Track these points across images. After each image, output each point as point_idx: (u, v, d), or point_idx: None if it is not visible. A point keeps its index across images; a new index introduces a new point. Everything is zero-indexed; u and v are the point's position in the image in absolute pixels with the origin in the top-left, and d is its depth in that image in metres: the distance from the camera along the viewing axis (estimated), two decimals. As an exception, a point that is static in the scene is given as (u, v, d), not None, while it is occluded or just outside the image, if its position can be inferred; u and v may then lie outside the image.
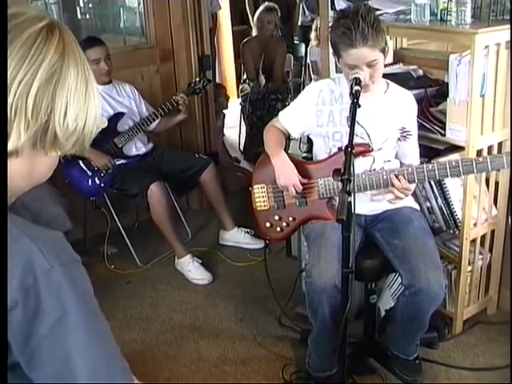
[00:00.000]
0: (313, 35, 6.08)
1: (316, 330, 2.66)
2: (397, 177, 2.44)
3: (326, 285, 2.40)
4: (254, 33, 5.99)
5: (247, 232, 4.15)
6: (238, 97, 6.42)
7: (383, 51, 2.43)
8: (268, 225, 2.77)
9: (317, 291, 2.44)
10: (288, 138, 2.87)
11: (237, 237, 4.14)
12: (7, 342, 0.96)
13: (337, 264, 2.37)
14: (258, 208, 2.78)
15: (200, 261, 3.85)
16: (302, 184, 2.62)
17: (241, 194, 4.61)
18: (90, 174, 3.73)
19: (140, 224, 4.21)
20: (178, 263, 3.85)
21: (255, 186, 2.78)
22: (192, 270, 3.79)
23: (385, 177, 2.47)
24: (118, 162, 3.79)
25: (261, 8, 5.92)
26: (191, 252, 3.89)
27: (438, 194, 2.94)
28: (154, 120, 3.87)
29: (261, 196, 2.77)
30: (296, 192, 2.61)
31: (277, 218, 2.75)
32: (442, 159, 2.88)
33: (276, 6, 5.95)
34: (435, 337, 3.05)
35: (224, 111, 5.59)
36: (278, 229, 2.76)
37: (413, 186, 2.56)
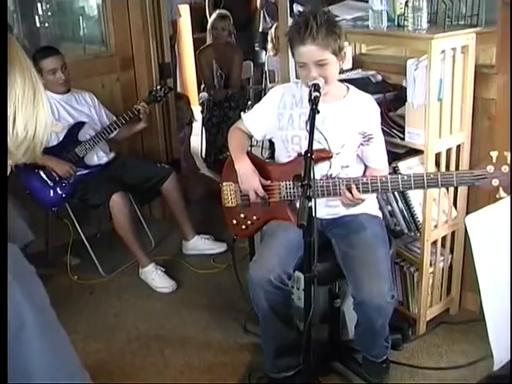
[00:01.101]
0: (269, 45, 6.13)
1: (261, 326, 2.73)
2: (349, 187, 2.45)
3: (261, 280, 2.47)
4: (209, 40, 5.99)
5: (208, 238, 4.17)
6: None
7: (335, 53, 2.45)
8: (234, 222, 2.83)
9: (254, 286, 2.52)
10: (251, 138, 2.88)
11: (198, 244, 4.15)
12: (7, 341, 0.95)
13: (275, 260, 2.48)
14: (226, 205, 2.84)
15: (164, 269, 3.84)
16: (265, 186, 2.65)
17: (202, 202, 4.66)
18: (51, 184, 3.69)
19: (103, 234, 4.18)
20: (142, 272, 3.83)
21: (224, 184, 2.82)
22: (156, 278, 3.78)
23: (341, 186, 2.47)
24: (79, 172, 3.76)
25: (214, 15, 5.91)
26: (155, 261, 3.87)
27: (398, 198, 2.98)
28: (115, 129, 3.85)
29: (229, 193, 2.81)
30: (257, 196, 2.64)
31: (242, 215, 2.79)
32: (402, 163, 2.94)
33: (228, 13, 5.95)
34: (399, 338, 3.08)
35: (193, 123, 5.61)
36: (243, 226, 2.81)
37: (366, 196, 2.56)
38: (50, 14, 4.81)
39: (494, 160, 2.17)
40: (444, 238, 3.12)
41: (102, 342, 3.29)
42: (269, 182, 2.66)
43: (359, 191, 2.44)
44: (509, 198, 1.69)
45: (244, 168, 2.68)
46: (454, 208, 3.09)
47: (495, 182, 2.17)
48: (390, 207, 3.03)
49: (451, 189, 3.04)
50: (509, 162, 2.15)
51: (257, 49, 7.45)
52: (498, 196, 2.15)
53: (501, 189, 2.16)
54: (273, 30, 6.27)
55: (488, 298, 1.53)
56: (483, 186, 2.22)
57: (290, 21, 3.43)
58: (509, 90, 2.80)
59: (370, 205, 2.75)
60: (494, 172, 2.17)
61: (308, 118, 2.25)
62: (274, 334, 2.71)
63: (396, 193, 2.97)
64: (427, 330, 3.21)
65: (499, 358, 1.51)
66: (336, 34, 2.44)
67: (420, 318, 3.16)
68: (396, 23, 2.99)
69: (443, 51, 2.75)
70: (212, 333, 3.33)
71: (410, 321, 3.20)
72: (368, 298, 2.41)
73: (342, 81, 2.72)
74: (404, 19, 2.91)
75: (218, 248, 4.11)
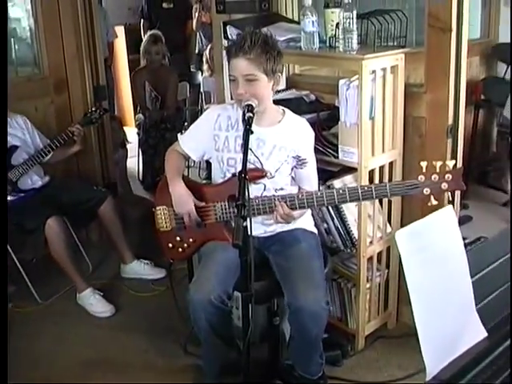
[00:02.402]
0: (205, 66, 6.16)
1: (202, 347, 2.74)
2: (280, 203, 2.48)
3: (202, 300, 2.46)
4: (143, 63, 5.97)
5: (147, 263, 4.14)
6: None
7: (266, 73, 2.47)
8: (170, 245, 2.81)
9: (194, 307, 2.51)
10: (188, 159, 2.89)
11: (137, 269, 4.11)
12: (7, 340, 0.93)
13: (214, 280, 2.48)
14: (161, 229, 2.82)
15: (101, 293, 3.78)
16: (200, 207, 2.65)
17: (140, 226, 4.62)
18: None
19: (38, 259, 4.09)
20: (80, 297, 3.77)
21: (158, 208, 2.81)
22: (94, 303, 3.72)
23: (274, 202, 2.50)
24: (13, 197, 3.68)
25: (146, 38, 5.89)
26: (93, 285, 3.81)
27: (334, 215, 3.03)
28: (49, 152, 3.79)
29: (163, 217, 2.79)
30: (190, 219, 2.65)
31: (178, 238, 2.79)
32: (336, 181, 2.99)
33: (160, 35, 5.95)
34: (339, 354, 3.12)
35: (127, 145, 5.57)
36: (180, 249, 2.80)
37: (302, 211, 2.61)
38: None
39: (424, 170, 2.24)
40: (380, 254, 3.18)
41: (43, 369, 3.21)
42: (203, 204, 2.66)
43: (295, 207, 2.48)
44: (439, 211, 1.74)
45: (178, 191, 2.68)
46: (388, 224, 3.16)
47: (426, 191, 2.25)
48: (325, 225, 3.07)
49: (385, 205, 3.11)
50: (438, 170, 2.22)
51: (193, 70, 7.47)
52: (429, 204, 2.23)
53: (432, 197, 2.25)
54: (207, 51, 6.30)
55: (419, 311, 1.57)
56: (415, 194, 2.29)
57: (225, 43, 3.46)
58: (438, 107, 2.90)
59: (305, 221, 2.79)
60: (425, 181, 2.25)
61: (242, 138, 2.27)
62: (216, 354, 2.72)
63: (331, 210, 3.02)
64: (366, 345, 3.25)
65: (431, 370, 1.54)
66: (270, 54, 2.47)
67: (358, 333, 3.20)
68: (328, 44, 3.05)
69: (373, 71, 2.83)
70: (153, 356, 3.29)
71: (349, 336, 3.24)
72: (304, 304, 2.43)
73: (277, 103, 2.74)
74: (335, 40, 2.97)
75: (157, 274, 4.08)
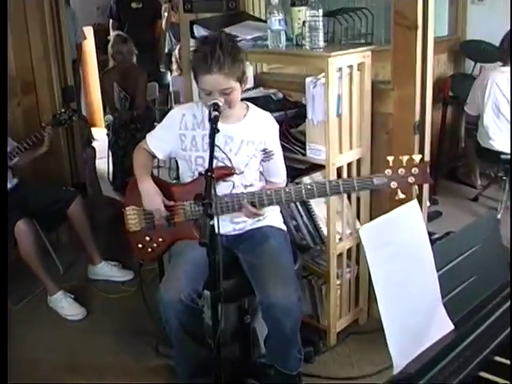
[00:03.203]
0: (174, 66, 6.14)
1: (174, 348, 2.72)
2: (250, 200, 2.49)
3: (172, 300, 2.46)
4: (112, 64, 5.93)
5: (115, 265, 4.12)
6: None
7: (240, 80, 2.50)
8: (140, 245, 2.81)
9: (165, 306, 2.51)
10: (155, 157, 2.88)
11: (105, 270, 4.09)
12: (6, 340, 0.92)
13: (184, 280, 2.48)
14: (131, 229, 2.81)
15: (73, 296, 3.75)
16: (169, 206, 2.65)
17: (110, 227, 4.59)
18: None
19: (8, 262, 4.04)
20: (51, 300, 3.74)
21: (127, 208, 2.80)
22: (65, 306, 3.69)
23: (242, 200, 2.51)
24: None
25: (114, 39, 5.84)
26: (64, 287, 3.78)
27: (303, 212, 3.04)
28: (17, 154, 3.75)
29: (132, 217, 2.79)
30: (160, 217, 2.65)
31: (148, 238, 2.78)
32: (305, 178, 3.00)
33: (127, 36, 5.92)
34: (311, 351, 3.13)
35: (93, 144, 5.52)
36: (149, 249, 2.80)
37: (271, 208, 2.63)
38: None
39: (391, 164, 2.25)
40: (349, 250, 3.20)
41: (13, 375, 3.16)
42: (172, 203, 2.66)
43: (264, 204, 2.49)
44: (404, 206, 1.75)
45: (147, 189, 2.68)
46: (357, 220, 3.18)
47: (393, 185, 2.27)
48: (294, 222, 3.08)
49: (354, 201, 3.13)
50: (404, 164, 2.23)
51: (162, 70, 7.44)
52: (397, 198, 2.24)
53: (399, 190, 2.27)
54: (177, 50, 6.28)
55: (385, 305, 1.58)
56: (383, 188, 2.31)
57: (192, 42, 3.45)
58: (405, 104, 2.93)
59: (273, 218, 2.81)
60: (392, 175, 2.26)
61: (209, 137, 2.27)
62: (187, 354, 2.70)
63: (300, 207, 3.03)
64: (338, 342, 3.27)
65: (398, 364, 1.55)
66: (241, 61, 2.49)
67: (330, 329, 3.22)
68: (294, 42, 3.06)
69: (340, 69, 2.85)
70: (125, 357, 3.27)
71: (321, 333, 3.26)
72: (275, 300, 2.44)
73: (242, 99, 2.75)
74: (302, 39, 2.98)
75: (125, 276, 4.07)
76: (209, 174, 2.10)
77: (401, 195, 2.25)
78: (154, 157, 2.87)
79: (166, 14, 7.48)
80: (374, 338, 3.21)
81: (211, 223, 1.98)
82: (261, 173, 2.76)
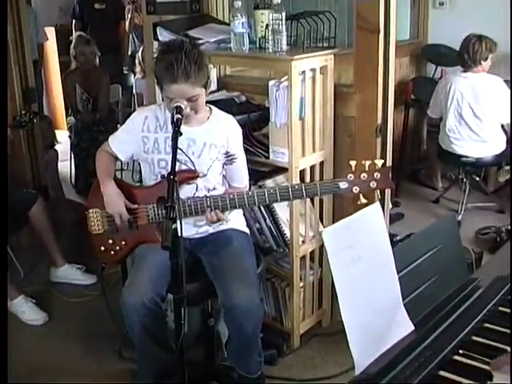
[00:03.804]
0: (137, 68, 6.11)
1: (137, 351, 2.71)
2: (213, 204, 2.49)
3: (135, 303, 2.45)
4: (74, 65, 5.87)
5: (79, 268, 4.08)
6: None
7: (205, 86, 2.51)
8: (103, 248, 2.79)
9: (128, 310, 2.49)
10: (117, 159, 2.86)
11: (68, 273, 4.04)
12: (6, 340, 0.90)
13: (147, 283, 2.47)
14: (94, 232, 2.79)
15: (34, 300, 3.70)
16: (132, 209, 2.64)
17: (72, 230, 4.55)
18: None
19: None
20: (11, 305, 3.67)
21: (90, 211, 2.78)
22: (26, 310, 3.64)
23: (206, 203, 2.50)
24: None
25: (77, 40, 5.78)
26: (24, 292, 3.73)
27: (266, 215, 3.05)
28: (-24, 156, 3.70)
29: (95, 220, 2.77)
30: (122, 220, 2.64)
31: (110, 241, 2.76)
32: (268, 181, 3.01)
33: (89, 37, 5.87)
34: (275, 353, 3.14)
35: (56, 146, 5.46)
36: (112, 252, 2.78)
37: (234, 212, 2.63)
38: None
39: (354, 169, 2.26)
40: (312, 253, 3.21)
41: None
42: (135, 206, 2.65)
43: (227, 207, 2.49)
44: (366, 209, 1.77)
45: (109, 191, 2.67)
46: (320, 223, 3.19)
47: (356, 189, 2.28)
48: (258, 225, 3.09)
49: (317, 204, 3.15)
50: (367, 169, 2.25)
51: (125, 72, 7.39)
52: (359, 202, 2.25)
53: (361, 195, 2.28)
54: (140, 52, 6.24)
55: (346, 307, 1.59)
56: (345, 193, 2.31)
57: (156, 44, 3.44)
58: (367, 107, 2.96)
59: (236, 221, 2.81)
60: (354, 180, 2.27)
61: (171, 140, 2.26)
62: (151, 358, 2.69)
63: (263, 210, 3.04)
64: (301, 344, 3.29)
65: (360, 364, 1.57)
66: (206, 67, 2.50)
67: (294, 332, 3.23)
68: (258, 45, 3.07)
69: (303, 72, 2.86)
70: (87, 362, 3.24)
71: (285, 335, 3.27)
72: (237, 302, 2.45)
73: (206, 102, 2.74)
74: (265, 42, 2.99)
75: (88, 279, 4.03)
76: (171, 176, 2.09)
77: (363, 200, 2.27)
78: (117, 159, 2.86)
79: (129, 15, 7.43)
80: (337, 339, 3.23)
81: (174, 226, 1.97)
82: (224, 177, 2.77)
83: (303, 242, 3.10)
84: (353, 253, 1.63)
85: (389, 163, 3.08)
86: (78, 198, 5.49)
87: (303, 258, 3.14)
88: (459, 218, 4.71)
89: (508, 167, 4.89)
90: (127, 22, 7.44)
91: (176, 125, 2.29)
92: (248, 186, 2.85)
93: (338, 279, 1.59)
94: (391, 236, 3.52)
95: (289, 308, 3.21)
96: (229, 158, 2.70)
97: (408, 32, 6.01)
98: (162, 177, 2.59)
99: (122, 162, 3.03)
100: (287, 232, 3.05)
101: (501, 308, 1.91)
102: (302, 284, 3.17)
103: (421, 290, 1.84)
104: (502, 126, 4.69)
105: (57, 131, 6.47)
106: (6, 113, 3.22)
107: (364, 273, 1.65)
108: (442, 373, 1.60)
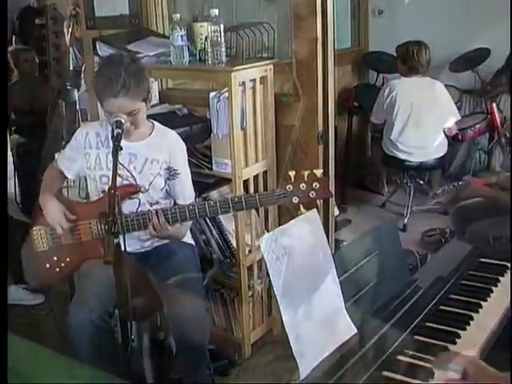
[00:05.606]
0: (82, 82, 6.05)
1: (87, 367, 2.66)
2: (155, 213, 2.47)
3: (83, 322, 2.43)
4: (14, 79, 5.75)
5: (25, 288, 4.00)
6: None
7: (145, 100, 2.51)
8: (48, 266, 2.73)
9: (75, 330, 2.46)
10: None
11: (13, 294, 3.96)
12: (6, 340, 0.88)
13: (94, 300, 2.44)
14: (38, 249, 2.74)
15: (-21, 323, 3.63)
16: (75, 225, 2.60)
17: (17, 250, 4.46)
18: None
19: None
20: (-43, 329, 3.60)
21: (34, 228, 2.74)
22: (-28, 334, 3.56)
23: (148, 217, 2.48)
24: None
25: (16, 50, 5.69)
26: (-31, 314, 3.65)
27: (211, 226, 3.05)
28: None
29: (39, 237, 2.73)
30: (62, 229, 2.58)
31: (55, 258, 2.71)
32: (213, 192, 3.02)
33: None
34: (226, 364, 3.14)
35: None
36: (57, 269, 2.73)
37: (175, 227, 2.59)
38: None
39: (293, 179, 2.26)
40: (260, 261, 3.22)
41: None
42: (74, 217, 2.60)
43: (169, 220, 2.46)
44: (303, 215, 1.79)
45: (47, 202, 2.63)
46: (266, 232, 3.21)
47: (295, 200, 2.27)
48: (204, 236, 3.09)
49: (262, 214, 3.17)
50: (306, 179, 2.26)
51: (69, 87, 7.29)
52: (299, 213, 2.25)
53: (301, 205, 2.28)
54: (83, 67, 6.17)
55: (288, 314, 1.61)
56: (285, 204, 2.32)
57: (96, 59, 3.42)
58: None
59: None
60: (293, 190, 2.27)
61: (112, 154, 2.25)
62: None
63: (209, 221, 3.04)
64: (253, 353, 3.28)
65: (304, 370, 1.60)
66: (146, 81, 2.50)
67: (244, 341, 3.23)
68: (198, 58, 3.08)
69: (243, 83, 2.88)
70: None
71: (236, 346, 3.26)
72: (183, 313, 2.45)
73: (147, 116, 2.74)
74: (205, 54, 3.00)
75: (35, 299, 3.95)
76: (112, 191, 2.09)
77: (303, 210, 2.25)
78: (65, 176, 2.83)
79: (69, 29, 7.34)
80: (288, 346, 3.24)
81: (116, 241, 1.97)
82: (167, 192, 2.74)
83: (250, 251, 3.11)
84: (291, 259, 1.65)
85: (332, 170, 3.12)
86: (23, 217, 5.39)
87: (250, 267, 3.15)
88: (405, 221, 4.80)
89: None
90: (67, 37, 7.35)
91: (116, 139, 2.28)
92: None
93: (278, 286, 1.60)
94: (338, 242, 3.58)
95: (238, 318, 3.21)
96: (171, 173, 2.68)
97: (350, 40, 6.10)
98: (104, 192, 2.58)
99: (67, 180, 2.99)
100: (233, 242, 3.06)
101: (441, 307, 1.97)
102: (250, 293, 3.18)
103: (362, 292, 1.88)
104: (443, 130, 4.79)
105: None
106: (7, 113, 3.12)
107: (303, 279, 1.68)
108: (385, 373, 1.63)
